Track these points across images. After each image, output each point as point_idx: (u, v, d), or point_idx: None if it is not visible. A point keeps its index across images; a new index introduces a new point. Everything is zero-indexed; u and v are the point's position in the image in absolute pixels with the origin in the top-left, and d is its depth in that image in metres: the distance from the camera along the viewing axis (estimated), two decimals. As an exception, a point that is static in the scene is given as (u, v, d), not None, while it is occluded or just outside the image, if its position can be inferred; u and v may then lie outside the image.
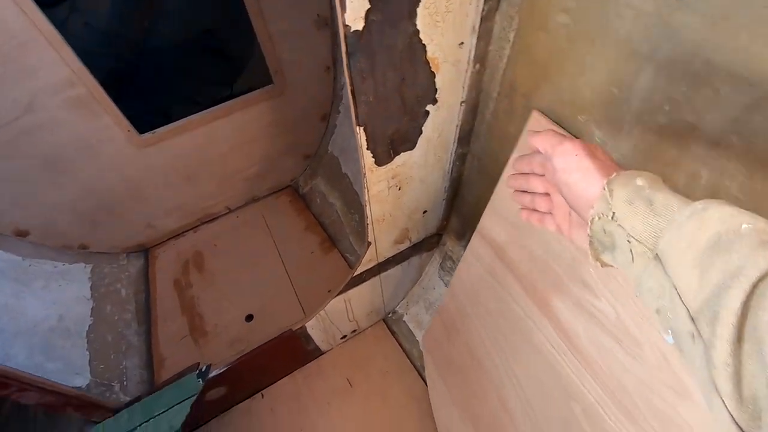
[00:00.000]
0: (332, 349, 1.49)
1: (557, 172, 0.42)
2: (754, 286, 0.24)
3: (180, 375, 1.09)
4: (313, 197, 1.90)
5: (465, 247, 1.24)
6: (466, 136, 0.97)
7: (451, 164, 1.03)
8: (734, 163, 0.49)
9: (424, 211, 1.12)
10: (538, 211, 0.49)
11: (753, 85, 0.44)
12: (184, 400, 1.05)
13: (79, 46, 1.20)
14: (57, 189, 1.44)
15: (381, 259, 1.19)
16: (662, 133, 0.56)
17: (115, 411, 1.06)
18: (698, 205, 0.30)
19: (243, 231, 1.87)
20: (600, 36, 0.58)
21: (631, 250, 0.34)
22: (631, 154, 0.61)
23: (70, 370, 1.34)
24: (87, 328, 1.48)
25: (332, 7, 1.42)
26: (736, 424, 0.23)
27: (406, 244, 1.21)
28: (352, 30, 0.63)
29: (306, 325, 1.26)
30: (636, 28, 0.53)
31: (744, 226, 0.27)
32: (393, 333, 1.51)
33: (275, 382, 1.44)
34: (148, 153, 1.52)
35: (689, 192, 0.55)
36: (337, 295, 1.23)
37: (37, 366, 1.25)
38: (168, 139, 1.51)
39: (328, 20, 1.46)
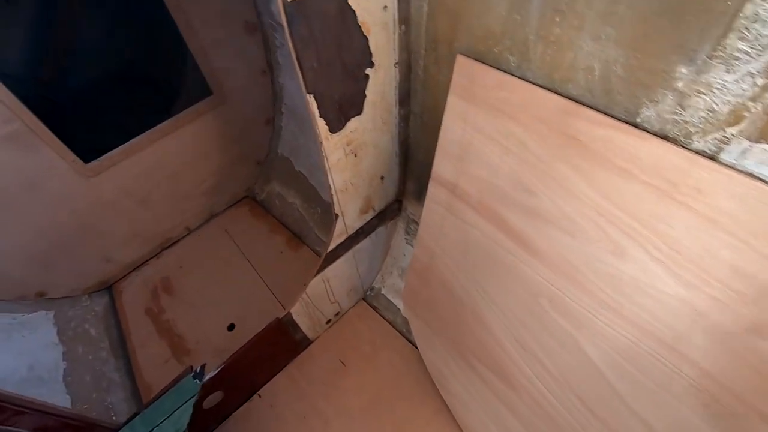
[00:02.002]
0: (319, 336, 1.53)
1: None
2: None
3: (175, 381, 1.09)
4: (272, 201, 1.94)
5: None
6: (405, 96, 1.07)
7: (398, 126, 1.13)
8: (614, 50, 0.62)
9: (382, 177, 1.22)
10: None
11: (610, -19, 0.57)
12: (184, 403, 1.06)
13: None
14: (4, 233, 1.38)
15: (350, 232, 1.27)
16: (558, 43, 0.69)
17: (115, 429, 1.04)
18: None
19: (207, 248, 1.87)
20: (495, -27, 0.70)
21: None
22: (538, 67, 0.74)
23: (52, 415, 1.29)
24: (62, 373, 1.42)
25: (259, 12, 1.50)
26: None
27: (371, 214, 1.29)
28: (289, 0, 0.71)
29: (291, 311, 1.30)
30: (521, -40, 0.66)
31: None
32: (374, 308, 1.58)
33: (270, 380, 1.45)
34: (96, 182, 1.49)
35: (589, 85, 0.68)
36: (315, 275, 1.28)
37: (15, 415, 1.19)
38: (115, 164, 1.50)
39: (257, 25, 1.53)
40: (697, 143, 0.60)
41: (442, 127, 0.96)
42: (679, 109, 0.59)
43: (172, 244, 1.88)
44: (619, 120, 0.66)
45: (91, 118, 2.19)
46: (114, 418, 1.40)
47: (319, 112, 0.90)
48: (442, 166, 1.01)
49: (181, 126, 1.59)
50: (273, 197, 1.93)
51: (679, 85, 0.57)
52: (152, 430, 1.01)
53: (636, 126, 0.65)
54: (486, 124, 0.86)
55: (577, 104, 0.70)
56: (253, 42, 1.55)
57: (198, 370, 1.11)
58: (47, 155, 1.34)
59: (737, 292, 0.60)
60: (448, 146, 0.97)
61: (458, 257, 1.06)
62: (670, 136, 0.62)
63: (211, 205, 1.91)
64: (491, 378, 1.09)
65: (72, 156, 1.39)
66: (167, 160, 1.63)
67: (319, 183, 1.74)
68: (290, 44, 0.76)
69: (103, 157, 1.46)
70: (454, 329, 1.16)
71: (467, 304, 1.08)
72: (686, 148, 0.61)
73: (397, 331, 1.50)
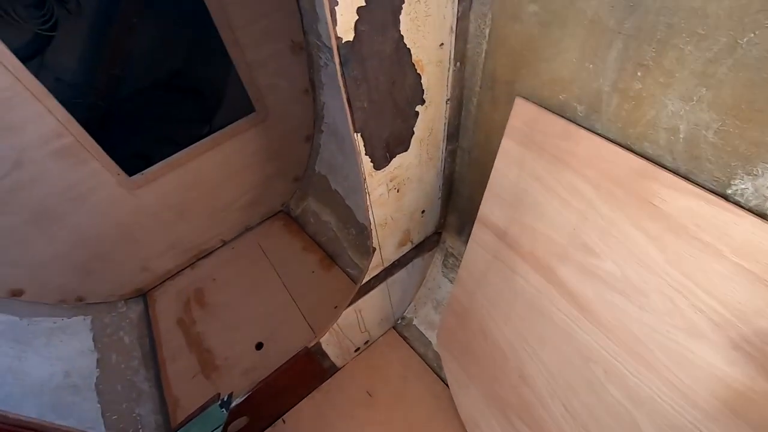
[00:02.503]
0: (347, 363, 1.49)
1: None
2: None
3: (202, 408, 1.08)
4: (306, 218, 1.92)
5: (465, 242, 1.28)
6: (454, 132, 1.02)
7: (443, 161, 1.08)
8: (707, 113, 0.55)
9: (423, 211, 1.17)
10: None
11: (712, 40, 0.50)
12: (211, 432, 1.04)
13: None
14: (48, 242, 1.42)
15: (386, 264, 1.22)
16: (638, 98, 0.62)
17: (141, 454, 1.03)
18: None
19: (240, 261, 1.87)
20: (570, 18, 0.64)
21: None
22: (611, 120, 0.67)
23: (84, 425, 1.31)
24: (95, 381, 1.45)
25: (305, 32, 1.48)
26: None
27: (409, 246, 1.25)
28: (343, 41, 0.67)
29: (321, 341, 1.27)
30: (602, 6, 0.59)
31: None
32: (405, 338, 1.52)
33: (295, 404, 1.42)
34: (138, 195, 1.52)
35: (671, 146, 0.61)
36: (348, 306, 1.24)
37: (49, 425, 1.22)
38: (158, 179, 1.52)
39: (303, 44, 1.51)
40: (805, 228, 0.52)
41: (494, 170, 0.90)
42: (786, 187, 0.51)
43: (206, 255, 1.90)
44: (706, 189, 0.58)
45: (136, 126, 2.25)
46: (141, 430, 1.41)
47: (365, 150, 0.86)
48: (490, 209, 0.95)
49: (223, 142, 1.59)
50: (308, 214, 1.91)
51: (789, 162, 0.50)
52: (178, 459, 1.00)
53: (726, 198, 0.57)
54: (546, 174, 0.80)
55: (656, 166, 0.63)
56: (297, 61, 1.54)
57: (225, 399, 1.09)
58: (94, 168, 1.36)
59: None
60: (500, 190, 0.91)
61: (503, 306, 0.99)
62: (770, 214, 0.54)
63: (246, 219, 1.91)
64: (531, 438, 1.02)
65: (118, 170, 1.41)
66: (207, 174, 1.64)
67: (355, 204, 1.70)
68: (341, 85, 0.73)
69: (146, 171, 1.48)
70: (493, 379, 1.09)
71: (510, 358, 1.01)
72: (790, 231, 0.53)
73: (428, 365, 1.44)
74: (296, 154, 1.84)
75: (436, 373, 1.42)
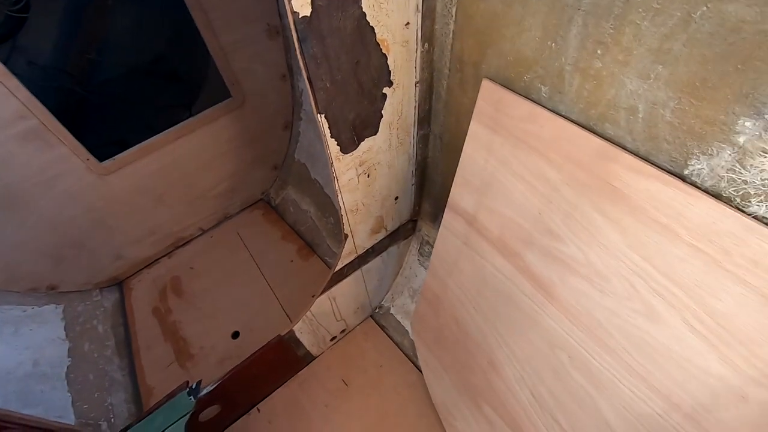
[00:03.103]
0: (323, 352, 1.48)
1: None
2: None
3: (170, 396, 1.06)
4: (286, 207, 1.90)
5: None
6: (425, 116, 1.00)
7: (415, 147, 1.06)
8: (664, 92, 0.54)
9: (396, 198, 1.15)
10: None
11: (667, 15, 0.49)
12: (177, 420, 1.02)
13: (24, 85, 1.17)
14: (17, 228, 1.39)
15: (360, 251, 1.21)
16: (598, 77, 0.61)
17: (106, 442, 1.02)
18: None
19: (219, 250, 1.84)
20: (531, -5, 0.63)
21: None
22: (573, 101, 0.66)
23: (51, 414, 1.28)
24: (66, 369, 1.42)
25: (281, 16, 1.45)
26: None
27: (383, 234, 1.23)
28: (300, 16, 0.65)
29: (294, 329, 1.25)
30: (561, -18, 0.58)
31: None
32: (382, 327, 1.52)
33: (270, 394, 1.41)
34: (110, 180, 1.48)
35: (630, 126, 0.60)
36: (321, 293, 1.23)
37: (14, 413, 1.19)
38: (131, 164, 1.49)
39: (279, 28, 1.48)
40: (757, 207, 0.51)
41: (462, 155, 0.89)
42: (738, 166, 0.50)
43: (184, 244, 1.87)
44: (664, 170, 0.57)
45: (112, 112, 2.20)
46: (113, 419, 1.39)
47: (331, 133, 0.84)
48: (460, 195, 0.94)
49: (199, 127, 1.56)
50: (287, 203, 1.89)
51: (741, 140, 0.49)
52: (142, 447, 0.98)
53: (683, 179, 0.56)
54: (512, 158, 0.79)
55: (617, 148, 0.61)
56: (274, 46, 1.51)
57: (193, 387, 1.07)
58: (62, 153, 1.33)
59: (794, 385, 0.51)
60: (469, 176, 0.90)
61: (473, 293, 0.98)
62: (724, 195, 0.53)
63: (225, 207, 1.89)
64: (501, 425, 1.02)
65: (87, 154, 1.38)
66: (183, 160, 1.60)
67: (334, 193, 1.68)
68: (301, 63, 0.71)
69: (117, 156, 1.45)
70: (464, 367, 1.08)
71: (480, 345, 1.00)
72: (743, 211, 0.52)
73: (404, 354, 1.44)
74: (275, 142, 1.81)
75: (412, 362, 1.42)
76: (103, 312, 1.67)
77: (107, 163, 1.44)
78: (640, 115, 0.58)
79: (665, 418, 0.67)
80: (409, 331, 1.43)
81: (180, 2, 1.32)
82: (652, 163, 0.58)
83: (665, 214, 0.58)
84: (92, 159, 1.39)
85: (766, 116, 0.46)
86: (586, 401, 0.79)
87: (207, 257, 1.82)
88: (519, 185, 0.79)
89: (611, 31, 0.55)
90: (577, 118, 0.67)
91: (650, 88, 0.55)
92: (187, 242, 1.88)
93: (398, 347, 1.46)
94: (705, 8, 0.45)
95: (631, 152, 0.60)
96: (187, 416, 1.02)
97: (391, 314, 1.50)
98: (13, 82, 1.15)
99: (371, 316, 1.54)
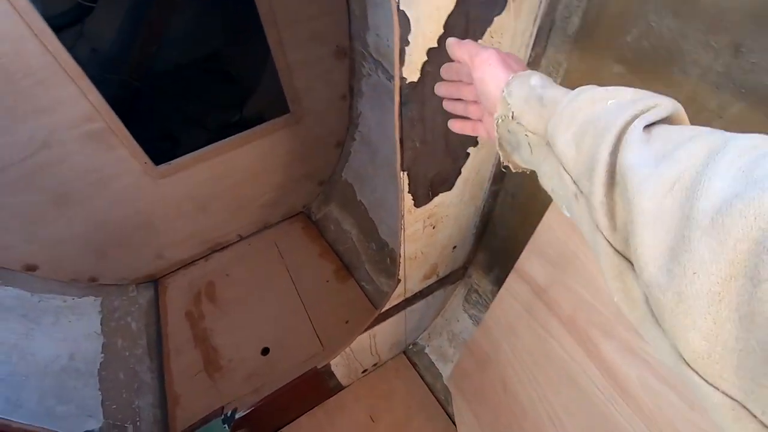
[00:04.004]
0: (353, 383, 1.45)
1: (476, 82, 0.44)
2: (618, 138, 0.29)
3: (204, 420, 1.05)
4: (326, 224, 1.88)
5: (492, 281, 1.22)
6: (501, 174, 0.96)
7: (484, 200, 1.02)
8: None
9: (454, 247, 1.11)
10: (470, 119, 0.52)
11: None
12: (210, 448, 1.01)
13: (87, 75, 1.17)
14: (67, 222, 1.40)
15: (408, 295, 1.17)
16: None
17: (138, 461, 1.01)
18: (574, 93, 0.35)
19: (255, 259, 1.84)
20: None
21: (529, 144, 0.39)
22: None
23: (83, 413, 1.29)
24: (98, 366, 1.43)
25: (351, 38, 1.42)
26: (613, 248, 0.29)
27: (434, 279, 1.20)
28: (407, 81, 0.62)
29: (331, 362, 1.23)
30: (702, 86, 0.53)
31: (610, 101, 0.32)
32: (414, 365, 1.48)
33: (295, 419, 1.40)
34: (162, 184, 1.49)
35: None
36: (364, 331, 1.20)
37: (48, 410, 1.21)
38: (184, 170, 1.49)
39: (347, 50, 1.45)
40: None
41: (542, 224, 0.84)
42: None
43: (222, 249, 1.87)
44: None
45: (164, 106, 2.22)
46: (139, 423, 1.39)
47: (409, 189, 0.81)
48: (530, 262, 0.89)
49: (253, 140, 1.55)
50: (329, 220, 1.87)
51: None
52: (174, 473, 0.97)
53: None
54: (601, 243, 0.74)
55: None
56: (339, 67, 1.48)
57: (228, 414, 1.06)
58: (122, 155, 1.33)
59: None
60: (545, 246, 0.85)
61: (529, 364, 0.94)
62: None
63: (265, 217, 1.88)
64: (539, 502, 0.97)
65: (145, 158, 1.38)
66: (234, 171, 1.60)
67: (379, 218, 1.65)
68: (397, 124, 0.67)
69: (173, 161, 1.45)
70: (505, 430, 1.04)
71: (529, 415, 0.96)
72: None
73: (436, 397, 1.40)
74: (325, 159, 1.79)
75: (443, 407, 1.38)
76: (137, 309, 1.68)
77: (162, 167, 1.44)
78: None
79: None
80: (444, 374, 1.39)
81: (244, 7, 1.30)
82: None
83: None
84: (149, 163, 1.40)
85: None
86: None
87: (243, 265, 1.82)
88: (605, 272, 0.75)
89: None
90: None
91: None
92: (225, 247, 1.88)
93: (429, 389, 1.42)
94: None
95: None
96: (221, 446, 1.01)
97: (426, 354, 1.46)
98: (86, 84, 1.16)
99: (404, 351, 1.51)
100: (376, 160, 1.61)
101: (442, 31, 0.58)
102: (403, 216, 0.87)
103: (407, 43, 0.57)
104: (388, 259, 1.61)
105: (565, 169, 0.33)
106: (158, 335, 1.63)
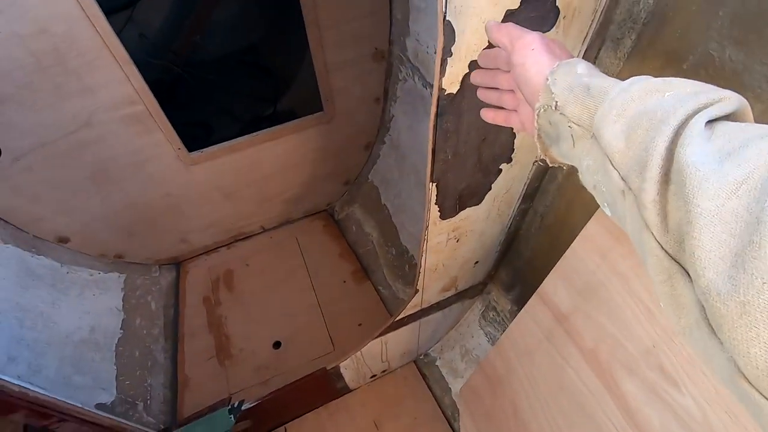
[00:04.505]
0: (360, 387, 1.44)
1: (515, 68, 0.42)
2: (676, 132, 0.27)
3: (211, 409, 1.06)
4: (348, 224, 1.88)
5: (512, 300, 1.19)
6: (532, 193, 0.93)
7: (511, 219, 0.99)
8: None
9: (476, 262, 1.09)
10: (503, 109, 0.50)
11: None
12: (214, 437, 1.02)
13: (132, 58, 1.20)
14: (102, 199, 1.45)
15: (425, 305, 1.16)
16: None
17: (145, 441, 1.03)
18: (626, 83, 0.33)
19: (276, 252, 1.85)
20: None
21: (572, 135, 0.36)
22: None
23: (97, 385, 1.33)
24: (116, 342, 1.47)
25: (391, 42, 1.42)
26: (664, 250, 0.27)
27: (452, 292, 1.17)
28: (446, 93, 0.60)
29: (340, 364, 1.22)
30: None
31: (668, 93, 0.30)
32: (424, 376, 1.46)
33: (299, 416, 1.40)
34: (193, 170, 1.52)
35: None
36: (376, 337, 1.19)
37: (65, 379, 1.24)
38: (215, 159, 1.52)
39: (385, 54, 1.45)
40: None
41: (570, 251, 0.81)
42: None
43: (244, 238, 1.90)
44: None
45: (201, 94, 2.27)
46: (149, 401, 1.42)
47: (436, 200, 0.79)
48: (555, 288, 0.86)
49: (285, 135, 1.57)
50: (350, 221, 1.87)
51: None
52: (178, 456, 0.99)
53: None
54: (633, 275, 0.70)
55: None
56: (376, 69, 1.48)
57: (235, 405, 1.07)
58: (158, 139, 1.37)
59: None
60: (571, 273, 0.82)
61: (543, 391, 0.91)
62: None
63: (289, 212, 1.90)
64: None
65: (179, 143, 1.41)
66: (263, 164, 1.62)
67: (401, 223, 1.64)
68: (431, 135, 0.66)
69: (205, 149, 1.48)
70: (511, 458, 1.01)
71: (538, 445, 0.92)
72: None
73: (443, 412, 1.37)
74: (353, 159, 1.79)
75: (449, 423, 1.35)
76: (158, 289, 1.72)
77: (195, 154, 1.47)
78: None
79: None
80: (453, 390, 1.36)
81: (288, 4, 1.30)
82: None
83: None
84: (183, 149, 1.43)
85: None
86: None
87: (263, 256, 1.84)
88: (634, 306, 0.71)
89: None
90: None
91: None
92: (247, 237, 1.90)
93: (437, 402, 1.39)
94: None
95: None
96: (225, 435, 1.02)
97: (437, 366, 1.44)
98: (131, 69, 1.19)
99: (415, 361, 1.49)
100: (403, 166, 1.60)
101: (486, 44, 0.57)
102: (427, 227, 0.86)
103: (450, 54, 0.55)
104: (406, 266, 1.59)
105: (611, 163, 0.31)
106: (175, 317, 1.67)
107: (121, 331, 1.51)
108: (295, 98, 2.16)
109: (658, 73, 0.59)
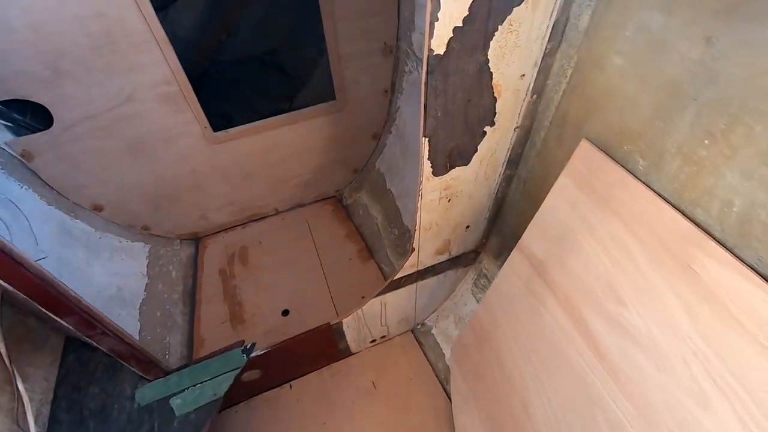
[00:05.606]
0: (360, 351, 1.56)
1: None
2: None
3: (226, 349, 1.19)
4: (355, 209, 2.02)
5: (500, 266, 1.31)
6: (515, 159, 1.06)
7: (498, 184, 1.12)
8: (765, 193, 0.57)
9: (467, 226, 1.21)
10: None
11: (783, 125, 0.52)
12: (228, 371, 1.14)
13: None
14: (134, 171, 1.61)
15: (421, 267, 1.28)
16: (700, 165, 0.64)
17: (167, 373, 1.16)
18: None
19: (287, 233, 2.00)
20: (650, 76, 0.67)
21: None
22: (669, 180, 0.69)
23: (123, 337, 1.47)
24: (140, 302, 1.61)
25: (398, 38, 1.58)
26: None
27: (446, 256, 1.29)
28: (434, 53, 0.74)
29: (343, 321, 1.34)
30: (683, 71, 0.62)
31: None
32: (420, 344, 1.57)
33: (304, 374, 1.51)
34: (216, 150, 1.68)
35: (722, 218, 0.62)
36: (375, 296, 1.31)
37: (96, 327, 1.38)
38: (237, 140, 1.67)
39: (393, 49, 1.61)
40: (840, 327, 0.52)
41: (545, 203, 0.94)
42: (828, 283, 0.52)
43: (259, 219, 2.05)
44: (747, 266, 0.59)
45: (225, 89, 2.46)
46: (167, 356, 1.55)
47: (429, 155, 0.93)
48: (533, 239, 0.98)
49: (301, 120, 1.72)
50: (358, 206, 2.01)
51: (836, 258, 0.50)
52: (196, 385, 1.11)
53: (765, 279, 0.58)
54: (594, 220, 0.82)
55: (704, 234, 0.64)
56: (384, 63, 1.64)
57: (248, 347, 1.19)
58: (188, 118, 1.53)
59: None
60: (546, 223, 0.94)
61: (522, 337, 1.02)
62: (807, 306, 0.54)
63: (300, 196, 2.04)
64: (517, 467, 1.03)
65: (206, 123, 1.57)
66: (279, 147, 1.77)
67: (404, 207, 1.77)
68: (423, 92, 0.80)
69: (229, 130, 1.64)
70: (495, 401, 1.11)
71: (518, 388, 1.03)
72: (823, 326, 0.53)
73: (436, 375, 1.48)
74: (361, 148, 1.94)
75: (441, 386, 1.45)
76: (178, 261, 1.87)
77: (219, 134, 1.63)
78: (735, 209, 0.60)
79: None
80: (446, 355, 1.47)
81: (309, 9, 1.47)
82: (738, 257, 0.61)
83: (741, 308, 0.60)
84: (209, 128, 1.59)
85: None
86: (612, 468, 0.80)
87: (275, 236, 1.98)
88: (596, 247, 0.83)
89: (723, 126, 0.59)
90: (669, 197, 0.70)
91: (751, 187, 0.58)
92: (262, 218, 2.05)
93: (432, 367, 1.50)
94: (824, 129, 0.48)
95: (717, 241, 0.63)
96: (238, 370, 1.14)
97: (432, 334, 1.54)
98: (169, 51, 1.36)
99: (412, 330, 1.60)
100: (407, 153, 1.75)
101: (467, 13, 0.71)
102: (421, 182, 0.99)
103: (437, 19, 0.70)
104: (407, 245, 1.71)
105: None
106: (193, 286, 1.81)
107: (145, 293, 1.66)
108: (310, 97, 2.33)
109: (607, 42, 0.73)
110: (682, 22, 0.61)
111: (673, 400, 0.69)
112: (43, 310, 0.83)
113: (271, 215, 2.06)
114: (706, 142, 0.62)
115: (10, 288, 0.75)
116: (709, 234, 0.64)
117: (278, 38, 2.68)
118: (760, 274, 0.58)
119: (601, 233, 0.82)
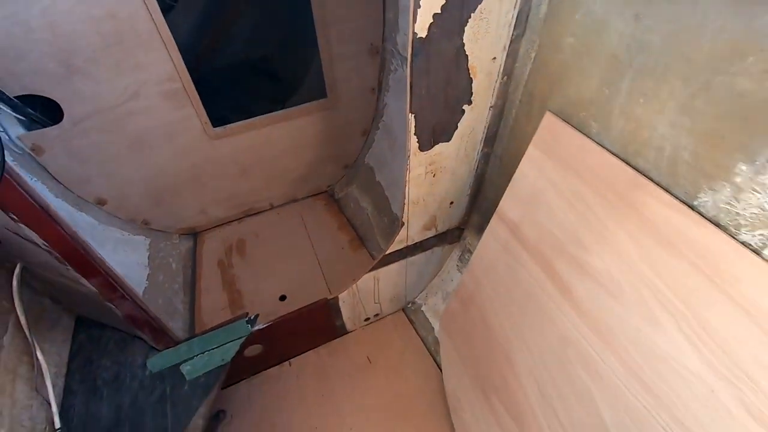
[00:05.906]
0: (356, 329, 1.65)
1: None
2: None
3: (232, 320, 1.28)
4: (346, 202, 2.13)
5: (483, 239, 1.43)
6: (491, 137, 1.19)
7: (477, 162, 1.25)
8: (686, 138, 0.70)
9: (451, 202, 1.33)
10: None
11: (694, 80, 0.66)
12: (234, 340, 1.23)
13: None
14: (137, 167, 1.70)
15: (410, 243, 1.39)
16: (638, 121, 0.78)
17: (176, 343, 1.24)
18: None
19: (282, 226, 2.09)
20: (595, 51, 0.81)
21: None
22: (615, 138, 0.82)
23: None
24: (143, 290, 1.68)
25: (384, 39, 1.72)
26: None
27: (432, 232, 1.41)
28: (418, 36, 0.88)
29: (339, 296, 1.44)
30: (621, 45, 0.76)
31: None
32: (411, 321, 1.67)
33: (303, 352, 1.60)
34: (215, 145, 1.78)
35: (657, 162, 0.76)
36: (369, 271, 1.41)
37: (103, 310, 1.45)
38: (234, 135, 1.78)
39: (379, 49, 1.75)
40: (745, 235, 0.65)
41: (517, 172, 1.07)
42: (734, 201, 0.65)
43: (255, 214, 2.14)
44: (678, 200, 0.72)
45: (219, 93, 2.57)
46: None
47: (415, 130, 1.05)
48: (509, 205, 1.11)
49: (294, 117, 1.84)
50: (349, 199, 2.12)
51: (738, 180, 0.64)
52: (204, 352, 1.20)
53: (692, 208, 0.71)
54: (559, 180, 0.95)
55: (645, 178, 0.77)
56: (371, 62, 1.77)
57: (252, 318, 1.28)
58: (189, 113, 1.64)
59: (757, 384, 0.63)
60: (519, 190, 1.07)
61: (503, 295, 1.13)
62: (722, 224, 0.68)
63: (294, 191, 2.15)
64: (504, 416, 1.14)
65: (206, 119, 1.68)
66: (274, 143, 1.88)
67: (393, 196, 1.89)
68: (408, 71, 0.93)
69: (228, 125, 1.75)
70: (482, 361, 1.22)
71: (500, 341, 1.14)
72: (735, 238, 0.66)
73: (427, 348, 1.58)
74: (351, 144, 2.07)
75: (432, 357, 1.55)
76: (178, 254, 1.95)
77: (219, 129, 1.74)
78: (666, 154, 0.74)
79: (654, 417, 0.78)
80: (435, 329, 1.58)
81: (301, 17, 1.60)
82: (671, 193, 0.74)
83: (676, 235, 0.73)
84: (209, 124, 1.70)
85: (756, 162, 0.61)
86: (584, 396, 0.91)
87: (271, 229, 2.07)
88: (561, 203, 0.96)
89: (652, 86, 0.73)
90: (617, 152, 0.83)
91: (676, 134, 0.71)
92: (258, 213, 2.14)
93: (422, 341, 1.60)
94: (721, 78, 0.62)
95: (655, 183, 0.76)
96: (243, 339, 1.23)
97: (422, 311, 1.65)
98: (174, 51, 1.47)
99: (403, 309, 1.71)
100: (394, 147, 1.87)
101: (444, 1, 0.84)
102: (409, 157, 1.11)
103: (419, 6, 0.83)
104: (397, 225, 1.83)
105: None
106: (193, 276, 1.89)
107: (147, 282, 1.73)
108: (301, 100, 2.46)
109: (562, 26, 0.87)
110: (617, 4, 0.75)
111: (630, 327, 0.81)
112: (65, 278, 0.91)
113: (267, 210, 2.16)
114: (641, 101, 0.76)
115: (44, 246, 0.84)
116: (648, 177, 0.77)
117: (270, 45, 2.82)
118: (688, 205, 0.71)
119: (566, 191, 0.95)
